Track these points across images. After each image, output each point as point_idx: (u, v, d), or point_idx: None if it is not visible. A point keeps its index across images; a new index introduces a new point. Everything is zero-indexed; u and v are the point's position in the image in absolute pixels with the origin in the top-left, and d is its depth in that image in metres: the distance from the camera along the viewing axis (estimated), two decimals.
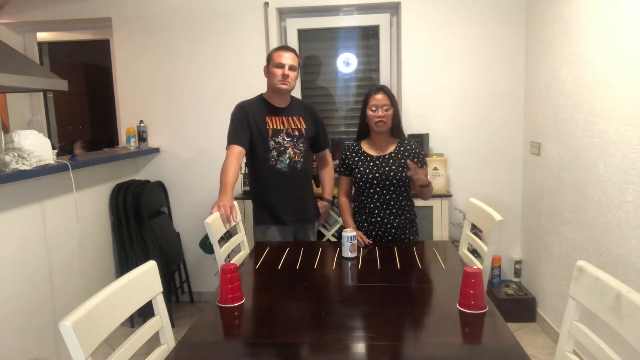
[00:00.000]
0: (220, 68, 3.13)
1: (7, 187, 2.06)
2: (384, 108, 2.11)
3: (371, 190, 2.17)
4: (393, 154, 2.17)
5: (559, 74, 2.48)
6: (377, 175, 2.14)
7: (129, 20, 3.15)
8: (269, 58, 2.24)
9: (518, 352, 1.16)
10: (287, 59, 2.20)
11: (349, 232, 1.91)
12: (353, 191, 2.30)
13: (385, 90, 2.15)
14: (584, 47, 2.24)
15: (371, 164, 2.17)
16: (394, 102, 2.15)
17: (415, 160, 2.16)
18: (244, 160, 2.31)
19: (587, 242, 2.23)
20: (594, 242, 2.17)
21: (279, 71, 2.19)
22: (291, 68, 2.21)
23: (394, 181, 2.13)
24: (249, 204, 2.60)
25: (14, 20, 3.23)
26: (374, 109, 2.13)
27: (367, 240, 2.11)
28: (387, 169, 2.14)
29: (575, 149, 2.33)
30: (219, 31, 3.10)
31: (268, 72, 2.25)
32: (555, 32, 2.53)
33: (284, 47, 2.26)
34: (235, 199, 2.47)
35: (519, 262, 3.09)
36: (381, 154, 2.19)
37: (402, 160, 2.15)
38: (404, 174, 2.12)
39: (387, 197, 2.16)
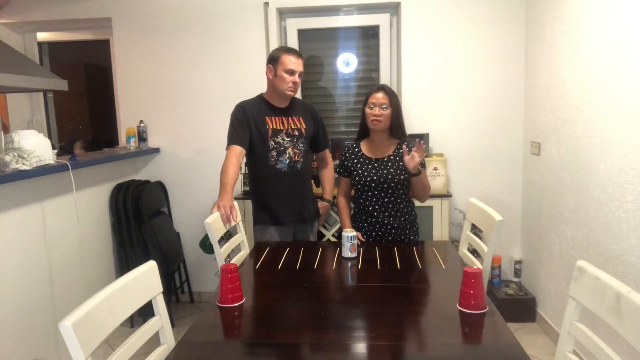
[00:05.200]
0: (220, 68, 3.13)
1: (7, 187, 2.06)
2: (382, 107, 2.11)
3: (369, 193, 2.17)
4: (392, 156, 2.17)
5: (559, 74, 2.48)
6: (375, 178, 2.14)
7: (129, 20, 3.15)
8: (277, 59, 2.18)
9: (518, 352, 1.16)
10: (299, 66, 2.19)
11: (349, 232, 1.91)
12: (353, 192, 2.30)
13: (385, 89, 2.14)
14: (584, 47, 2.24)
15: (369, 166, 2.17)
16: (393, 102, 2.13)
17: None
18: (244, 160, 2.31)
19: (587, 242, 2.23)
20: (594, 242, 2.17)
21: (290, 78, 2.17)
22: (300, 75, 2.21)
23: (392, 184, 2.13)
24: (249, 204, 2.60)
25: (14, 20, 3.23)
26: (371, 106, 2.12)
27: (360, 237, 2.12)
28: (385, 171, 2.14)
29: (575, 149, 2.33)
30: (219, 31, 3.10)
31: (275, 74, 2.19)
32: (555, 32, 2.53)
33: (295, 52, 2.20)
34: (235, 199, 2.47)
35: (519, 262, 3.09)
36: (380, 156, 2.19)
37: (401, 163, 2.14)
38: (402, 176, 2.12)
39: (386, 199, 2.16)
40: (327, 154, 2.53)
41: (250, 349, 1.27)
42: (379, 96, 2.11)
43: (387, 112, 2.11)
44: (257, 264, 1.90)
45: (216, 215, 1.97)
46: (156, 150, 3.23)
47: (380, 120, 2.11)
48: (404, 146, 2.07)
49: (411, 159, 2.02)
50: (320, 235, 2.87)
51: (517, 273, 3.10)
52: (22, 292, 2.16)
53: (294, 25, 3.18)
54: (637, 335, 1.00)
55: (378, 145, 2.21)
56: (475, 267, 1.41)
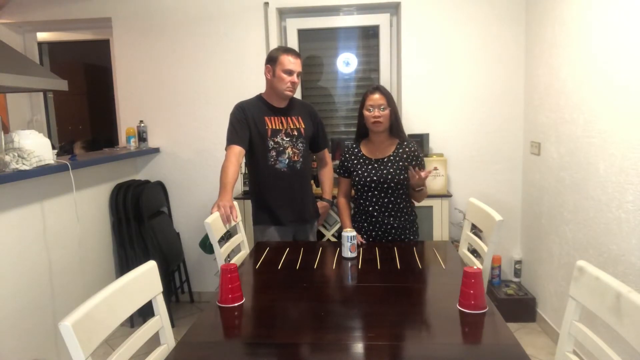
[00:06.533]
0: (220, 68, 3.13)
1: (7, 187, 2.06)
2: (381, 107, 2.11)
3: (369, 194, 2.18)
4: (392, 157, 2.17)
5: (559, 74, 2.48)
6: (375, 178, 2.14)
7: (129, 20, 3.15)
8: (275, 60, 2.18)
9: (518, 352, 1.16)
10: (297, 66, 2.19)
11: (349, 232, 1.91)
12: (353, 192, 2.30)
13: (381, 89, 2.15)
14: (584, 47, 2.24)
15: (369, 167, 2.17)
16: (390, 102, 2.14)
17: (414, 163, 2.16)
18: (244, 160, 2.31)
19: (587, 242, 2.23)
20: (594, 242, 2.17)
21: (288, 78, 2.17)
22: (298, 75, 2.21)
23: (392, 184, 2.13)
24: (249, 204, 2.60)
25: (14, 20, 3.23)
26: (370, 109, 2.13)
27: (360, 239, 2.12)
28: (385, 172, 2.14)
29: (575, 149, 2.33)
30: (219, 31, 3.10)
31: (273, 74, 2.20)
32: (555, 32, 2.53)
33: (293, 52, 2.21)
34: (235, 199, 2.47)
35: (519, 262, 3.09)
36: (380, 156, 2.19)
37: (401, 163, 2.15)
38: (401, 177, 2.13)
39: (386, 199, 2.16)
40: (327, 153, 2.53)
41: (250, 349, 1.27)
42: (377, 97, 2.12)
43: (386, 112, 2.12)
44: (257, 264, 1.90)
45: (216, 215, 1.97)
46: (156, 150, 3.23)
47: (381, 122, 2.12)
48: (411, 168, 2.08)
49: (413, 178, 2.05)
50: (320, 235, 2.87)
51: (517, 273, 3.10)
52: (22, 292, 2.16)
53: (294, 25, 3.18)
54: (637, 335, 1.00)
55: (378, 146, 2.21)
56: (475, 267, 1.41)
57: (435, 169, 2.90)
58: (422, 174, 2.03)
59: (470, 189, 3.07)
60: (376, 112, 2.11)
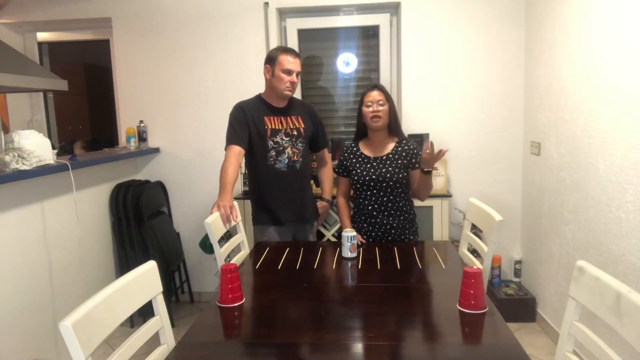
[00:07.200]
0: (220, 68, 3.13)
1: (7, 187, 2.06)
2: (379, 103, 2.13)
3: (369, 192, 2.18)
4: (390, 155, 2.18)
5: (559, 74, 2.48)
6: (374, 177, 2.14)
7: (129, 20, 3.15)
8: (274, 59, 2.19)
9: (518, 352, 1.16)
10: (296, 65, 2.19)
11: (349, 232, 1.91)
12: (352, 192, 2.30)
13: (379, 87, 2.18)
14: (584, 47, 2.24)
15: (368, 165, 2.18)
16: (389, 99, 2.17)
17: (414, 160, 2.17)
18: (244, 160, 2.31)
19: (587, 242, 2.23)
20: (594, 242, 2.17)
21: (287, 78, 2.18)
22: (298, 75, 2.21)
23: (391, 183, 2.14)
24: (248, 204, 2.60)
25: (14, 20, 3.23)
26: (369, 105, 2.14)
27: (360, 239, 2.12)
28: (384, 170, 2.14)
29: (575, 149, 2.33)
30: (219, 31, 3.10)
31: (272, 74, 2.20)
32: (555, 32, 2.53)
33: (292, 52, 2.21)
34: (235, 199, 2.47)
35: (519, 262, 3.09)
36: (379, 155, 2.20)
37: (400, 162, 2.16)
38: (400, 175, 2.13)
39: (385, 198, 2.17)
40: (326, 153, 2.53)
41: (250, 349, 1.27)
42: (375, 94, 2.15)
43: (385, 108, 2.14)
44: (257, 264, 1.90)
45: (216, 215, 1.97)
46: (156, 150, 3.23)
47: (380, 117, 2.13)
48: (430, 141, 2.08)
49: (431, 157, 2.01)
50: (320, 235, 2.87)
51: (517, 273, 3.10)
52: (22, 292, 2.16)
53: (294, 25, 3.18)
54: (637, 335, 1.00)
55: (377, 145, 2.22)
56: (475, 267, 1.41)
57: (435, 168, 2.89)
58: (437, 152, 1.99)
59: (470, 189, 3.07)
60: (375, 107, 2.13)
